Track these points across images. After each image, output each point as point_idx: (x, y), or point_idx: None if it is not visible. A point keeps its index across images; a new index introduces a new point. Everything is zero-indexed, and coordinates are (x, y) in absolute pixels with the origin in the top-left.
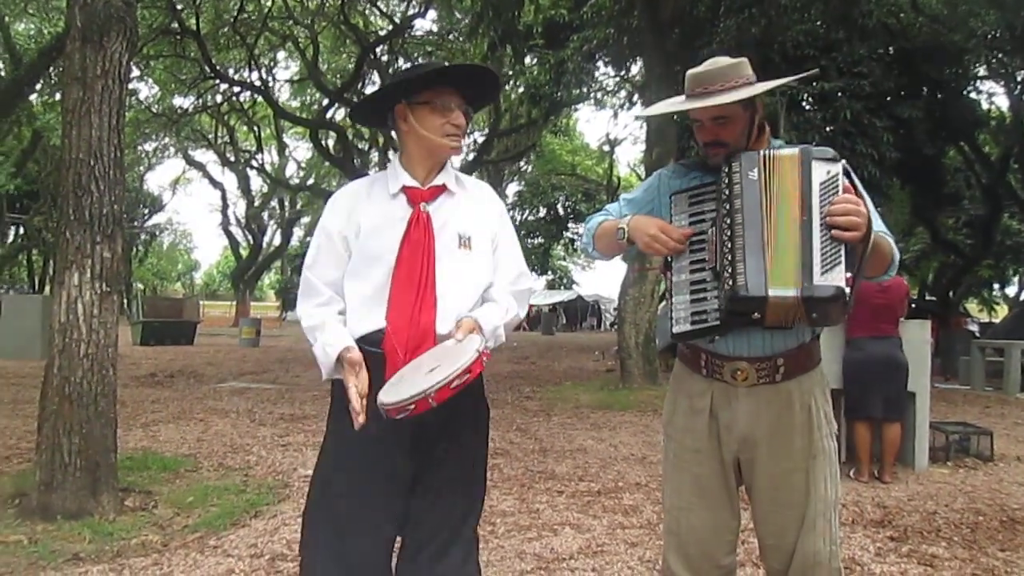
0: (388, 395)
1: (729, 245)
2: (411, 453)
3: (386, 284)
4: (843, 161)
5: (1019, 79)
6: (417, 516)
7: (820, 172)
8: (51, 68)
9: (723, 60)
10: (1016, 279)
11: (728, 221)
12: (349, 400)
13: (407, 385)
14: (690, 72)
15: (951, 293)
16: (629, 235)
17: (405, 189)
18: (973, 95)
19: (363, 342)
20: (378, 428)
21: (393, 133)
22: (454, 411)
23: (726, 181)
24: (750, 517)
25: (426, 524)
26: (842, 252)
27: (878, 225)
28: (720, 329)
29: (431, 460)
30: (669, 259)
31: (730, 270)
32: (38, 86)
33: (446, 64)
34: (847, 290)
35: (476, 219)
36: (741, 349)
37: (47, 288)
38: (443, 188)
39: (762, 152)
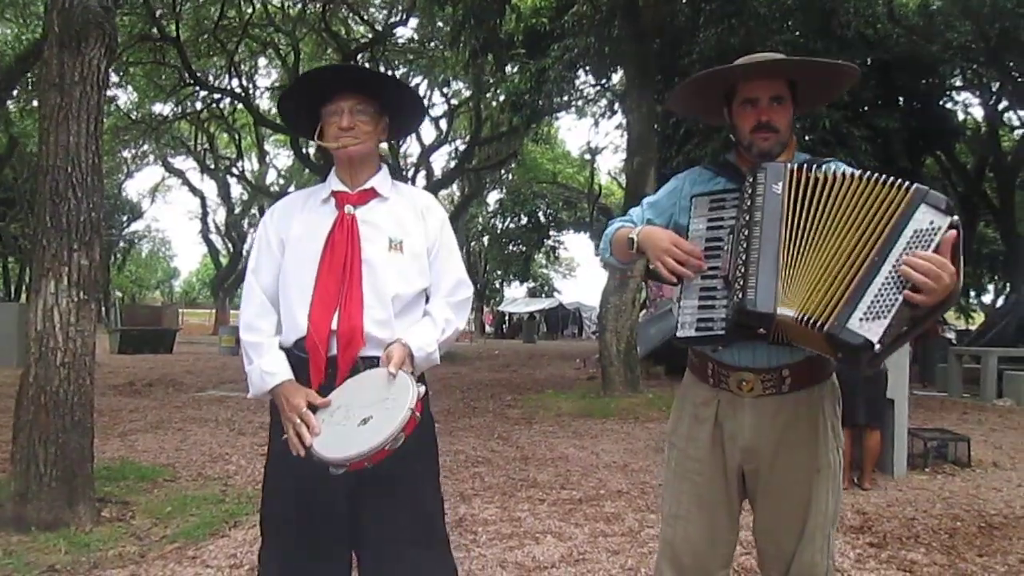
0: (322, 448)
1: (744, 256)
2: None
3: (311, 289)
4: (955, 217)
5: (993, 90)
6: (368, 532)
7: (922, 219)
8: (28, 74)
9: (766, 53)
10: (992, 287)
11: (746, 232)
12: (288, 435)
13: (340, 438)
14: (736, 62)
15: None
16: (639, 245)
17: (334, 194)
18: (949, 105)
19: (294, 348)
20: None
21: None
22: None
23: (749, 191)
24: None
25: (380, 535)
26: (894, 309)
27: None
28: (724, 339)
29: (368, 494)
30: (650, 265)
31: (740, 282)
32: (15, 92)
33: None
34: (877, 346)
35: (409, 224)
36: (746, 360)
37: (23, 296)
38: (373, 192)
39: (791, 166)
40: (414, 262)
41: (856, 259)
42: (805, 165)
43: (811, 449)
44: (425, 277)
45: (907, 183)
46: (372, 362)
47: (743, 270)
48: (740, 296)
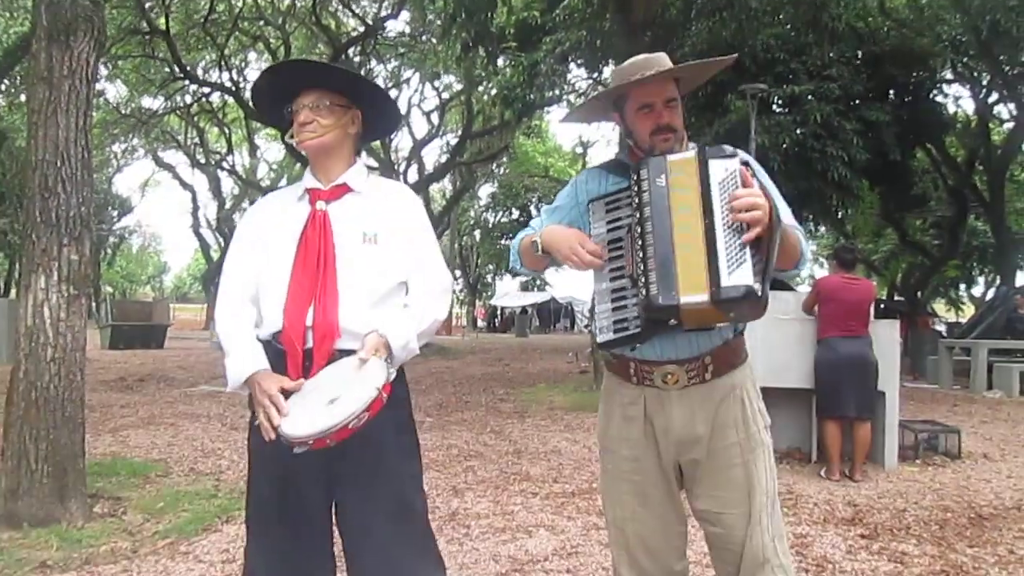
0: (288, 426)
1: (641, 254)
2: (323, 470)
3: (287, 284)
4: (740, 154)
5: (984, 83)
6: (351, 535)
7: (718, 171)
8: (16, 68)
9: (645, 55)
10: (982, 279)
11: (640, 229)
12: (259, 420)
13: (306, 417)
14: (620, 66)
15: (919, 293)
16: (543, 247)
17: (308, 191)
18: (940, 98)
19: (272, 340)
20: (285, 448)
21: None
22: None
23: (635, 189)
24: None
25: (360, 523)
26: (747, 250)
27: (787, 217)
28: (641, 336)
29: (347, 477)
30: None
31: (643, 279)
32: (3, 86)
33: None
34: (757, 287)
35: (384, 217)
36: (668, 352)
37: (13, 291)
38: (346, 187)
39: (668, 157)
40: (390, 254)
41: (702, 229)
42: (673, 156)
43: (743, 431)
44: (402, 269)
45: (691, 147)
46: (350, 355)
47: (642, 267)
48: (644, 293)
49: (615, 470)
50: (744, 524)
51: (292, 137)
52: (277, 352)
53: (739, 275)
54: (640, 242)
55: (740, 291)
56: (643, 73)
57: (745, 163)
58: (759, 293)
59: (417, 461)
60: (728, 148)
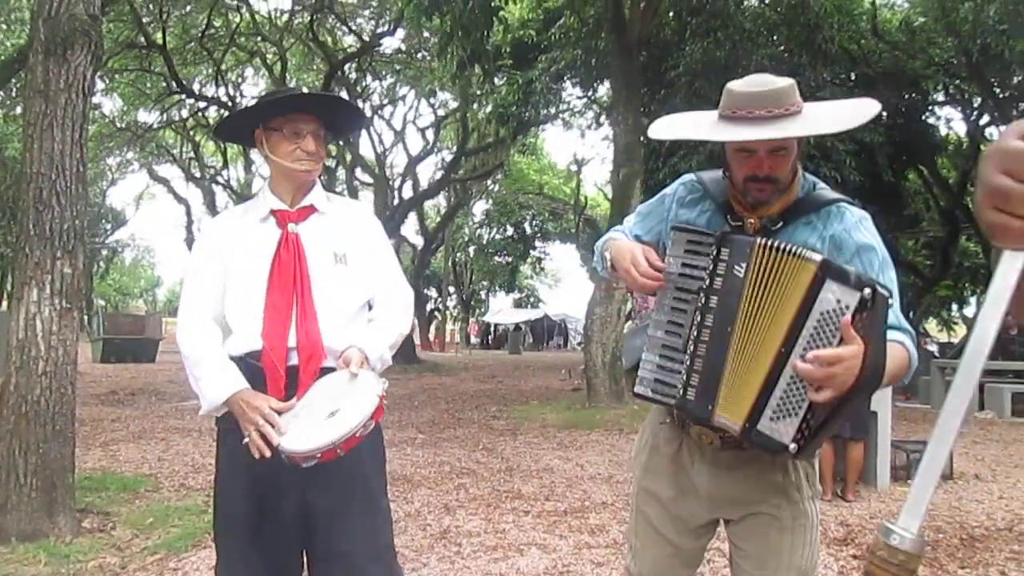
0: (292, 443)
1: (694, 346)
2: (298, 486)
3: (261, 305)
4: (868, 289)
5: (975, 105)
6: (323, 552)
7: (828, 299)
8: (13, 80)
9: (777, 80)
10: (974, 300)
11: (700, 318)
12: (250, 439)
13: (309, 432)
14: (737, 88)
15: (911, 313)
16: (612, 262)
17: (273, 212)
18: (932, 120)
19: (245, 358)
20: (261, 466)
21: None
22: None
23: (711, 268)
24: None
25: (335, 560)
26: (804, 406)
27: (896, 337)
28: (674, 414)
29: (322, 490)
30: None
31: (685, 377)
32: None
33: (302, 91)
34: (792, 448)
35: (350, 236)
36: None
37: (5, 304)
38: (312, 209)
39: (759, 242)
40: (358, 273)
41: (773, 353)
42: (770, 243)
43: (780, 501)
44: (368, 287)
45: (815, 257)
46: (329, 372)
47: (690, 361)
48: (682, 393)
49: (636, 497)
50: None
51: (275, 155)
52: (253, 370)
53: (781, 427)
54: (699, 322)
55: (771, 444)
56: (750, 131)
57: (864, 303)
58: (790, 453)
59: (384, 472)
60: (854, 274)
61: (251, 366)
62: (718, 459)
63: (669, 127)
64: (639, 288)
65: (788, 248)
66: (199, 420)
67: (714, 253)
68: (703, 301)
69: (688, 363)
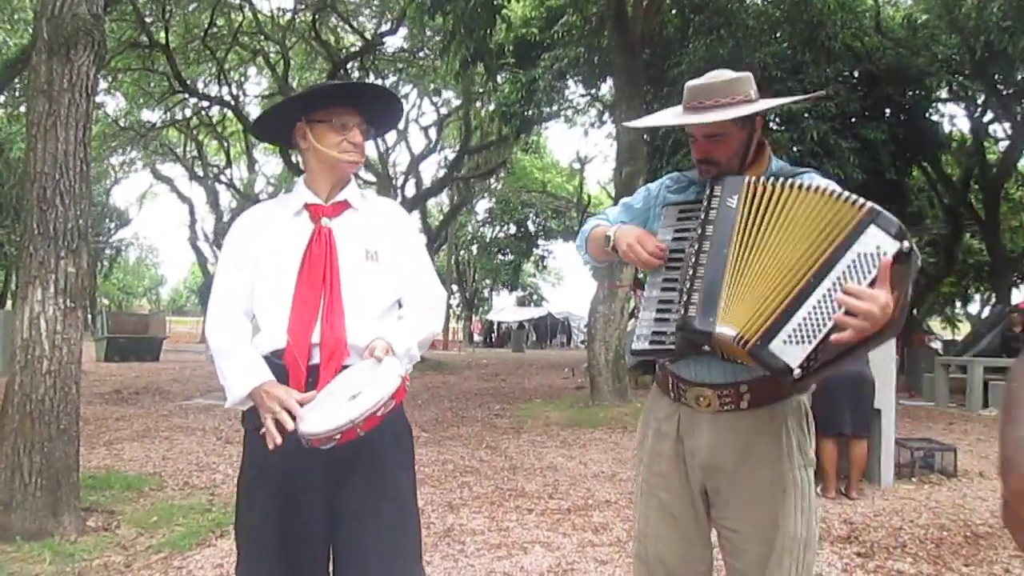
0: (310, 425)
1: (691, 272)
2: (324, 485)
3: (289, 300)
4: (905, 242)
5: (979, 102)
6: (346, 550)
7: (867, 242)
8: (16, 80)
9: (725, 74)
10: (978, 297)
11: (697, 246)
12: (265, 425)
13: (329, 414)
14: (689, 84)
15: (915, 311)
16: (614, 243)
17: (307, 206)
18: (935, 117)
19: (270, 357)
20: (287, 465)
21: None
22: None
23: (705, 204)
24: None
25: (357, 557)
26: (820, 335)
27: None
28: (674, 353)
29: (348, 489)
30: (639, 274)
31: (686, 298)
32: (2, 98)
33: (344, 83)
34: (795, 372)
35: (382, 234)
36: (703, 375)
37: (9, 303)
38: (346, 204)
39: (748, 179)
40: (389, 271)
41: (794, 278)
42: (764, 178)
43: (774, 467)
44: (399, 285)
45: (862, 201)
46: None
47: (689, 285)
48: (683, 312)
49: (645, 484)
50: (762, 564)
51: (323, 145)
52: (277, 368)
53: (790, 350)
54: (693, 259)
55: (776, 364)
56: (687, 116)
57: (901, 255)
58: (792, 378)
59: (413, 472)
60: (898, 226)
61: (275, 365)
62: (716, 424)
63: (645, 117)
64: (642, 263)
65: (781, 182)
66: (203, 419)
67: (708, 191)
68: (699, 232)
69: (688, 285)
